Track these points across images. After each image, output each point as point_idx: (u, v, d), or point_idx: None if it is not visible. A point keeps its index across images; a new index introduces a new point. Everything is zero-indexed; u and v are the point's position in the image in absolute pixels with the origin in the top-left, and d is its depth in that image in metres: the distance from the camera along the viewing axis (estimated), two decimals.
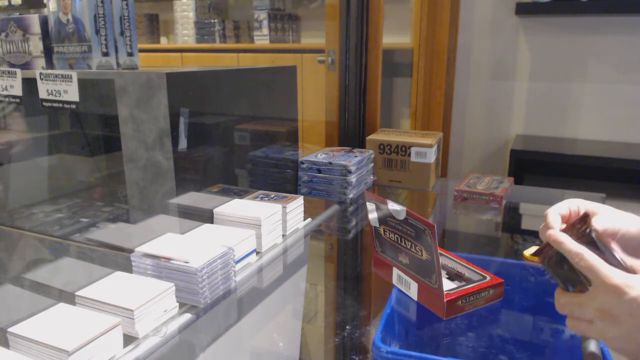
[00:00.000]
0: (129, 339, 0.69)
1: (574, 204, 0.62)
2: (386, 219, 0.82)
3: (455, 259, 0.90)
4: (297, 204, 1.09)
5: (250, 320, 0.82)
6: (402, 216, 0.78)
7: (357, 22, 1.65)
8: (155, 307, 0.72)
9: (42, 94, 1.00)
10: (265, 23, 2.97)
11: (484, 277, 0.83)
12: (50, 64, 1.09)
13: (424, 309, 0.79)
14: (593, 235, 0.57)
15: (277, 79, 1.31)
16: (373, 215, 0.86)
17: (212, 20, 3.15)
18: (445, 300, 0.75)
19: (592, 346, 0.58)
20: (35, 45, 1.09)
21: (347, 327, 0.79)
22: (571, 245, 0.56)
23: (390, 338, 0.72)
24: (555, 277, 0.58)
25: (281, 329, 0.84)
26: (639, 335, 0.51)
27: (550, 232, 0.58)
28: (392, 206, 0.79)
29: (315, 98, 2.37)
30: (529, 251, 1.00)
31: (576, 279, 0.56)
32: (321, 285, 1.02)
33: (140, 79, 0.92)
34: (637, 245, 0.60)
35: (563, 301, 0.57)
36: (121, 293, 0.72)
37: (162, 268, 0.79)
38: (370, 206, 0.85)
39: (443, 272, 0.88)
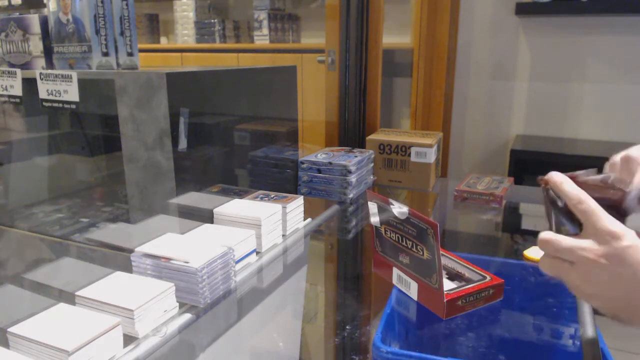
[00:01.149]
0: (129, 339, 0.69)
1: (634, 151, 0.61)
2: (388, 219, 0.82)
3: (455, 259, 0.90)
4: (297, 204, 1.09)
5: (250, 320, 0.82)
6: (404, 215, 0.78)
7: (357, 22, 1.65)
8: (155, 307, 0.72)
9: (42, 94, 1.00)
10: (265, 23, 2.97)
11: (484, 277, 0.83)
12: (50, 64, 1.09)
13: (424, 309, 0.79)
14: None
15: (277, 79, 1.31)
16: (374, 215, 0.86)
17: (212, 20, 3.15)
18: (445, 300, 0.75)
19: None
20: (35, 45, 1.09)
21: (347, 327, 0.79)
22: (571, 188, 0.56)
23: (390, 338, 0.72)
24: (548, 214, 0.59)
25: (281, 329, 0.84)
26: (620, 287, 0.52)
27: (553, 173, 0.58)
28: (395, 205, 0.79)
29: (315, 98, 2.37)
30: (529, 251, 1.00)
31: (568, 220, 0.56)
32: (321, 285, 1.02)
33: (140, 79, 0.92)
34: None
35: (547, 238, 0.57)
36: (121, 293, 0.72)
37: (162, 268, 0.79)
38: (372, 205, 0.85)
39: (443, 272, 0.88)
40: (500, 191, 1.36)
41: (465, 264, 0.88)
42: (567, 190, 0.56)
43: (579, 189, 0.56)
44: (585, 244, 0.54)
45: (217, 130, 1.08)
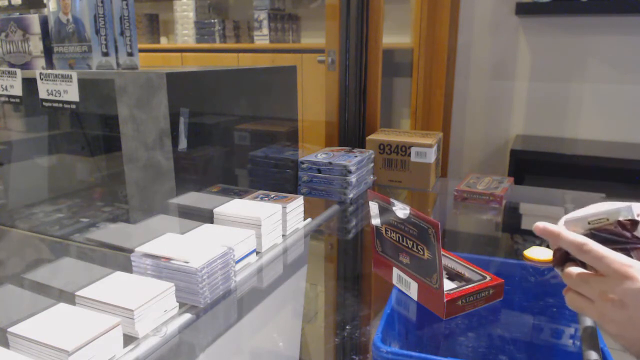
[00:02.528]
0: (129, 339, 0.69)
1: None
2: (389, 219, 0.82)
3: (455, 259, 0.90)
4: (297, 204, 1.09)
5: (250, 320, 0.82)
6: (405, 215, 0.78)
7: (357, 22, 1.65)
8: (155, 307, 0.72)
9: (42, 94, 1.00)
10: (265, 23, 2.97)
11: (484, 277, 0.83)
12: (50, 64, 1.09)
13: (424, 309, 0.79)
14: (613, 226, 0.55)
15: (277, 79, 1.31)
16: (375, 215, 0.86)
17: (212, 20, 3.15)
18: (445, 300, 0.75)
19: (593, 355, 0.58)
20: (35, 45, 1.09)
21: (347, 327, 0.79)
22: (571, 236, 0.54)
23: (390, 338, 0.72)
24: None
25: (281, 329, 0.84)
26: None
27: (538, 224, 0.56)
28: (396, 205, 0.79)
29: (315, 98, 2.37)
30: (529, 251, 1.00)
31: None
32: (321, 285, 1.02)
33: (140, 79, 0.92)
34: None
35: (570, 271, 0.56)
36: (121, 293, 0.72)
37: (162, 268, 0.79)
38: (372, 205, 0.85)
39: (443, 272, 0.88)
40: (500, 191, 1.36)
41: (465, 264, 0.88)
42: (567, 241, 0.54)
43: (576, 235, 0.54)
44: (602, 285, 0.52)
45: (217, 130, 1.08)
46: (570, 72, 2.07)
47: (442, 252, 0.92)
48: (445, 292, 0.76)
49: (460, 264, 0.88)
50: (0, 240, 1.12)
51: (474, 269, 0.86)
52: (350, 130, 1.73)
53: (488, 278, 0.82)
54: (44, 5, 1.07)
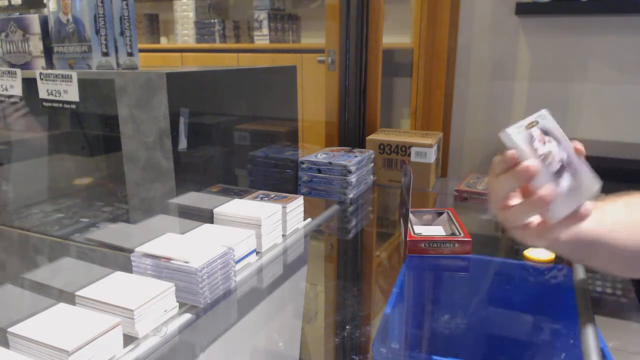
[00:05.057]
0: (129, 339, 0.69)
1: None
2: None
3: (457, 224, 1.05)
4: (297, 204, 1.09)
5: (250, 320, 0.82)
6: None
7: (357, 22, 1.65)
8: (155, 307, 0.72)
9: (42, 94, 1.00)
10: (265, 23, 2.97)
11: (459, 234, 0.98)
12: (50, 64, 1.09)
13: (424, 309, 0.79)
14: None
15: (277, 79, 1.31)
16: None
17: (212, 20, 3.15)
18: (408, 239, 0.94)
19: (593, 356, 0.58)
20: (35, 45, 1.09)
21: (347, 327, 0.79)
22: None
23: (390, 338, 0.72)
24: None
25: (281, 329, 0.84)
26: None
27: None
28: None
29: (315, 98, 2.37)
30: (529, 251, 1.00)
31: None
32: (321, 285, 1.02)
33: (140, 79, 0.92)
34: None
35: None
36: (121, 293, 0.72)
37: (162, 268, 0.79)
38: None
39: (437, 227, 1.09)
40: None
41: (459, 226, 1.04)
42: None
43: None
44: None
45: (217, 130, 1.08)
46: (570, 72, 2.07)
47: (454, 217, 1.10)
48: (417, 235, 0.97)
49: (457, 225, 1.05)
50: (0, 240, 1.12)
51: (461, 230, 1.01)
52: (350, 130, 1.73)
53: (461, 235, 0.97)
54: (44, 5, 1.07)
